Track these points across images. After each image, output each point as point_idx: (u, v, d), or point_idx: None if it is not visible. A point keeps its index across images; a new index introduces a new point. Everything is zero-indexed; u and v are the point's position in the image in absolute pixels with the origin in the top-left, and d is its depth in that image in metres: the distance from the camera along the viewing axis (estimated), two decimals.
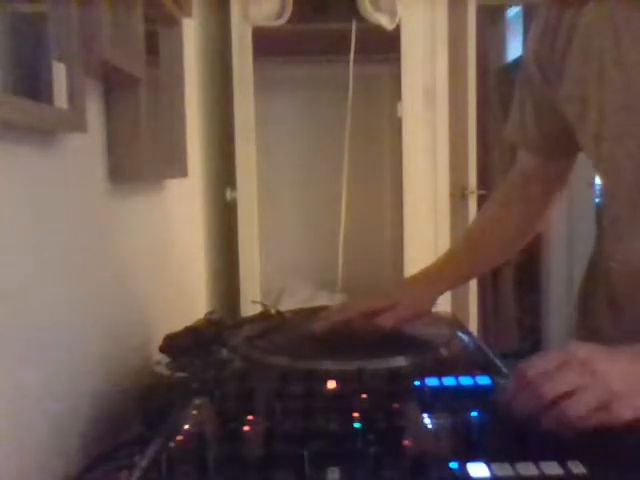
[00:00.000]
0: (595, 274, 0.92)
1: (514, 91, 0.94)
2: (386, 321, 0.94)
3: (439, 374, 0.75)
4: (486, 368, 0.79)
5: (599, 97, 0.76)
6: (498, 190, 1.06)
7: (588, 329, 0.92)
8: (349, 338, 0.96)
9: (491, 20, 3.14)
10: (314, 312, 1.08)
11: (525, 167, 0.99)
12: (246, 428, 0.61)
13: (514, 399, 0.62)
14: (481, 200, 2.28)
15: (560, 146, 0.91)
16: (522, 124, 0.93)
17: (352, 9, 1.95)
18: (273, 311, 1.12)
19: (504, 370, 0.81)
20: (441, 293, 1.03)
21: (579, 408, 0.58)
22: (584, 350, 0.61)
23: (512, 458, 0.55)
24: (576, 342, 0.64)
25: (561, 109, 0.83)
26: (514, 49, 3.25)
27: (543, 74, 0.85)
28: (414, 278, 1.05)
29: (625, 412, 0.58)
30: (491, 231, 1.03)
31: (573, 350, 0.62)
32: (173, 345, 0.97)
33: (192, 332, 1.00)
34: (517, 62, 2.90)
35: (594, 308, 0.91)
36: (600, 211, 0.89)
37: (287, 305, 1.73)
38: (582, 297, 0.95)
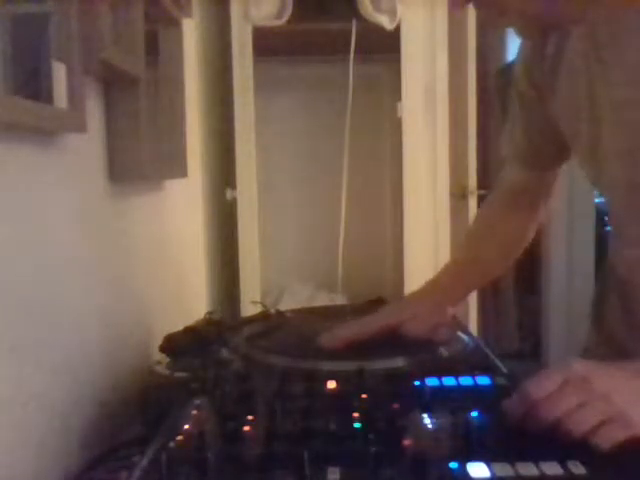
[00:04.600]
0: (608, 281, 0.92)
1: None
2: (414, 330, 0.92)
3: (439, 374, 0.75)
4: (486, 368, 0.79)
5: (590, 114, 0.78)
6: (489, 199, 1.07)
7: (602, 336, 0.92)
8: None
9: None
10: (314, 312, 1.08)
11: (510, 178, 1.00)
12: (246, 428, 0.61)
13: (520, 422, 0.61)
14: (481, 200, 2.28)
15: (547, 158, 0.93)
16: (511, 135, 0.95)
17: (352, 9, 1.95)
18: (273, 311, 1.12)
19: (504, 370, 0.81)
20: (452, 306, 1.01)
21: (580, 426, 0.57)
22: (583, 368, 0.61)
23: (512, 458, 0.54)
24: (576, 359, 0.64)
25: (554, 123, 0.85)
26: (514, 49, 3.25)
27: (535, 89, 0.87)
28: (424, 291, 1.03)
29: (624, 429, 0.57)
30: (489, 239, 1.03)
31: (573, 368, 0.61)
32: (173, 345, 0.97)
33: (192, 332, 1.00)
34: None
35: (608, 315, 0.91)
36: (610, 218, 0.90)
37: (287, 305, 1.73)
38: (595, 304, 0.95)
